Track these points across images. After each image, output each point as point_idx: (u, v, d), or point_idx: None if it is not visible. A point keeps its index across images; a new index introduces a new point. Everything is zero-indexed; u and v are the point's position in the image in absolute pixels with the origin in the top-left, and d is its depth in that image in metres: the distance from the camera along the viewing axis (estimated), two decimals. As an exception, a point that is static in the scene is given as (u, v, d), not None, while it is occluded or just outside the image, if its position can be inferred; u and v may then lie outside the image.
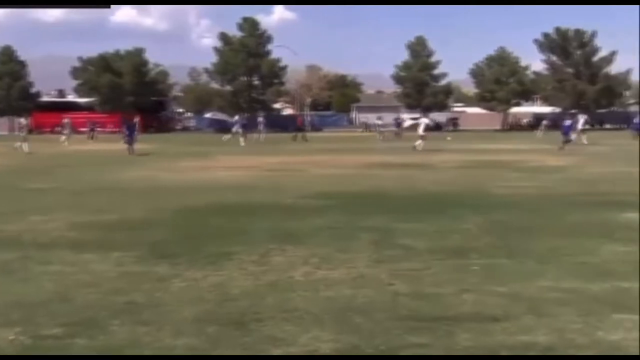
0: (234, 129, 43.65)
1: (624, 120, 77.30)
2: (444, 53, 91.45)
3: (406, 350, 5.00)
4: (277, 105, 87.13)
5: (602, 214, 11.58)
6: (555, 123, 73.26)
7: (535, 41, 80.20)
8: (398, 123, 56.22)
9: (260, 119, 50.98)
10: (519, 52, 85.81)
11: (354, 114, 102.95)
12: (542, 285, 6.76)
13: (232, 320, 5.74)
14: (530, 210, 12.24)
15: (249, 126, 46.31)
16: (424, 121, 35.96)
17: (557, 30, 79.36)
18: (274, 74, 78.58)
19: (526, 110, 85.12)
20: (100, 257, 8.27)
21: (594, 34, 78.82)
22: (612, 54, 79.05)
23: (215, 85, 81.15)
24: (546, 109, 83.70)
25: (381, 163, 24.80)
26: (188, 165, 24.32)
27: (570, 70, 78.92)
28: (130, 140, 32.54)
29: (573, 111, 61.62)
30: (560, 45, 79.15)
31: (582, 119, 42.97)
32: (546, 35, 79.71)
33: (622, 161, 24.70)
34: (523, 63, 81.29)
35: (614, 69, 79.26)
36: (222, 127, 72.51)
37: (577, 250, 8.48)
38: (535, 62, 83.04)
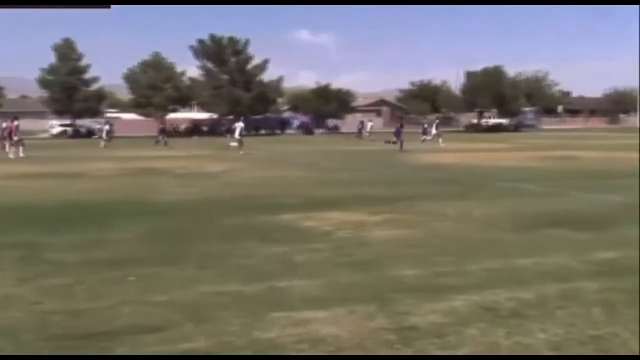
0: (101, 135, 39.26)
1: (278, 126, 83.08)
2: (96, 57, 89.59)
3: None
4: None
5: (259, 216, 12.22)
6: (212, 129, 75.85)
7: (191, 47, 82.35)
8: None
9: (100, 126, 41.79)
10: (175, 57, 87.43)
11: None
12: (202, 290, 6.91)
13: None
14: (189, 216, 12.48)
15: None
16: (240, 125, 37.57)
17: (212, 37, 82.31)
18: None
19: (184, 116, 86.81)
20: None
21: (247, 42, 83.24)
22: (265, 62, 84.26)
23: None
24: (204, 115, 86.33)
25: (26, 173, 23.38)
26: None
27: (225, 77, 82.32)
28: None
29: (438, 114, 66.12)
30: (215, 52, 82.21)
31: (434, 124, 46.05)
32: (201, 41, 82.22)
33: (278, 165, 26.43)
34: (179, 69, 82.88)
35: (267, 76, 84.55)
36: None
37: (236, 253, 8.83)
38: (191, 68, 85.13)
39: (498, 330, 5.61)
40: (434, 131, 47.80)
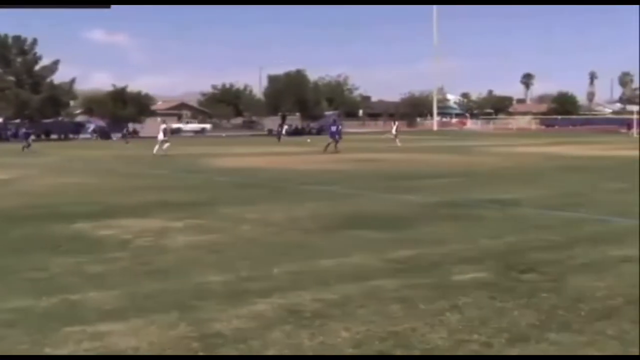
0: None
1: (72, 131, 79.83)
2: None
3: None
4: None
5: (51, 226, 11.68)
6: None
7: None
8: None
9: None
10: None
11: None
12: (-15, 308, 6.50)
13: None
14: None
15: None
16: (162, 127, 38.93)
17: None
18: None
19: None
20: None
21: (34, 42, 79.35)
22: (55, 62, 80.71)
23: None
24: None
25: None
26: None
27: (11, 78, 78.02)
28: None
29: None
30: (-2, 52, 77.72)
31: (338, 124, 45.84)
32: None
33: (73, 172, 25.39)
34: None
35: (58, 78, 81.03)
36: None
37: (25, 266, 8.37)
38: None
39: (302, 332, 5.75)
40: (394, 132, 50.10)
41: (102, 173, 24.95)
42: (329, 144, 39.08)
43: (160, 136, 38.87)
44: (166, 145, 37.34)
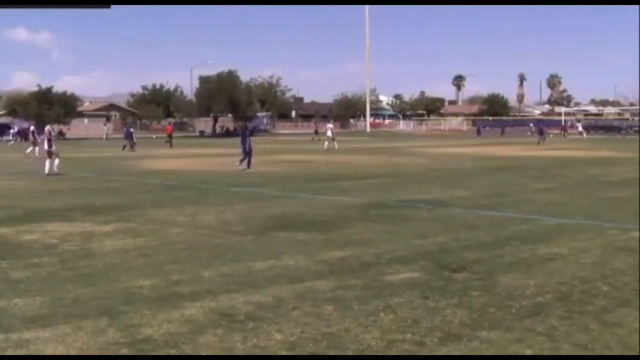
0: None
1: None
2: None
3: None
4: None
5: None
6: None
7: None
8: None
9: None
10: None
11: None
12: None
13: None
14: None
15: None
16: (330, 125, 45.12)
17: None
18: None
19: None
20: None
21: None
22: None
23: None
24: None
25: None
26: None
27: None
28: None
29: None
30: None
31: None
32: None
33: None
34: None
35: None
36: None
37: (-56, 274, 8.13)
38: None
39: (235, 335, 5.73)
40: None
41: (25, 175, 24.23)
42: (539, 141, 47.37)
43: (330, 133, 43.27)
44: (335, 142, 41.61)
